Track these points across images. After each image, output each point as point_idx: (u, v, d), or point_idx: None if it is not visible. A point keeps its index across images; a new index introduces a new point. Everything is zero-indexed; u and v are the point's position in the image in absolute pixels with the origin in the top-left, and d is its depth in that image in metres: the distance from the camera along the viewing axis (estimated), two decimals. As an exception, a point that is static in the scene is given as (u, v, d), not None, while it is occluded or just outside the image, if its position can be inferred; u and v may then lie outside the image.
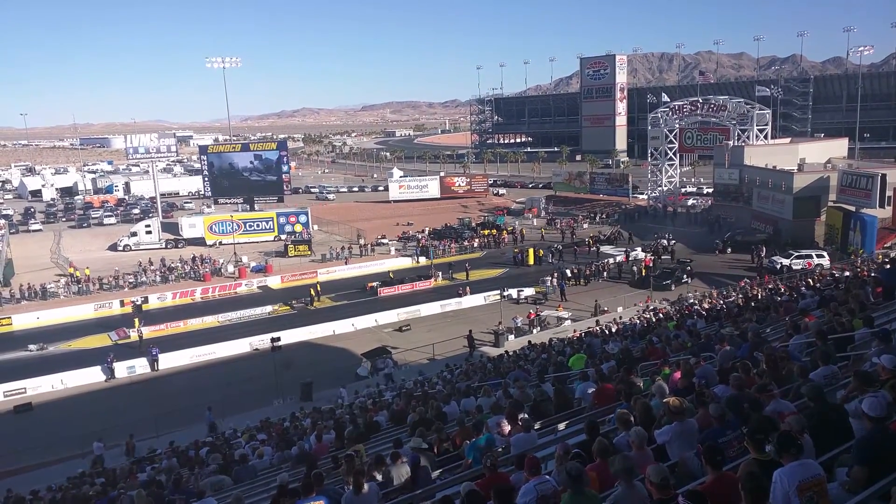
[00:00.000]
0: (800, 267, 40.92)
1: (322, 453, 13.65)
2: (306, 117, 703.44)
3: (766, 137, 63.46)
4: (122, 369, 33.43)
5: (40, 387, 31.48)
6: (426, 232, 63.10)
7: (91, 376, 32.44)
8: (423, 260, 54.47)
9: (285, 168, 70.08)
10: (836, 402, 6.62)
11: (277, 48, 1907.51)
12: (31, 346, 37.20)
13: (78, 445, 24.61)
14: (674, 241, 53.58)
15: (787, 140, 72.77)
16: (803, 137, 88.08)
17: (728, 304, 27.20)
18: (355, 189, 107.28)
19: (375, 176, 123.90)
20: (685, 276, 43.82)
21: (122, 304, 45.04)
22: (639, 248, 51.97)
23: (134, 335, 38.05)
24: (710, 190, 69.22)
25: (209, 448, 18.97)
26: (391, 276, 48.58)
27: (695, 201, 71.35)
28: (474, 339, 33.79)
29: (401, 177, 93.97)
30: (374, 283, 46.91)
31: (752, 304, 23.49)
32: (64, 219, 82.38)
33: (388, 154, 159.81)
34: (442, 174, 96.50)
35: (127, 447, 23.52)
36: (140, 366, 33.94)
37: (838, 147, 64.87)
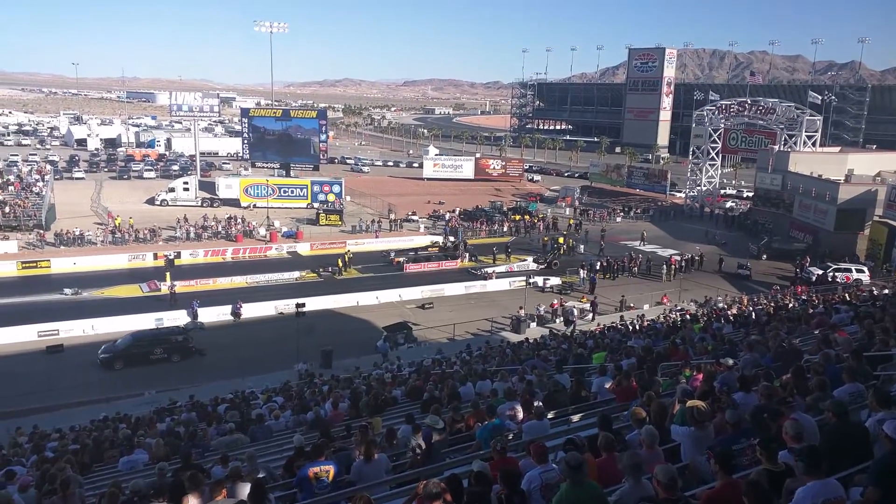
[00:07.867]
0: (830, 279, 40.06)
1: (337, 421, 13.86)
2: (348, 87, 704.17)
3: (814, 145, 61.71)
4: (151, 321, 34.28)
5: (72, 330, 32.44)
6: (457, 212, 63.01)
7: (120, 325, 33.13)
8: (451, 240, 54.50)
9: (323, 137, 70.54)
10: (859, 421, 6.48)
11: (325, 16, 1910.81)
12: (67, 290, 38.27)
13: (101, 391, 25.42)
14: (725, 242, 52.67)
15: (837, 149, 70.66)
16: (854, 147, 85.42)
17: (757, 311, 26.75)
18: (390, 164, 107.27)
19: (412, 152, 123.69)
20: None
21: (156, 257, 46.04)
22: (529, 259, 47.53)
23: (164, 289, 38.93)
24: (751, 194, 67.75)
25: (228, 405, 19.41)
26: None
27: (733, 204, 69.97)
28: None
29: (436, 155, 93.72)
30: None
31: (783, 313, 23.05)
32: (106, 169, 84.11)
33: (425, 131, 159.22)
34: (478, 155, 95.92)
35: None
36: (168, 320, 34.66)
37: (890, 160, 62.75)
